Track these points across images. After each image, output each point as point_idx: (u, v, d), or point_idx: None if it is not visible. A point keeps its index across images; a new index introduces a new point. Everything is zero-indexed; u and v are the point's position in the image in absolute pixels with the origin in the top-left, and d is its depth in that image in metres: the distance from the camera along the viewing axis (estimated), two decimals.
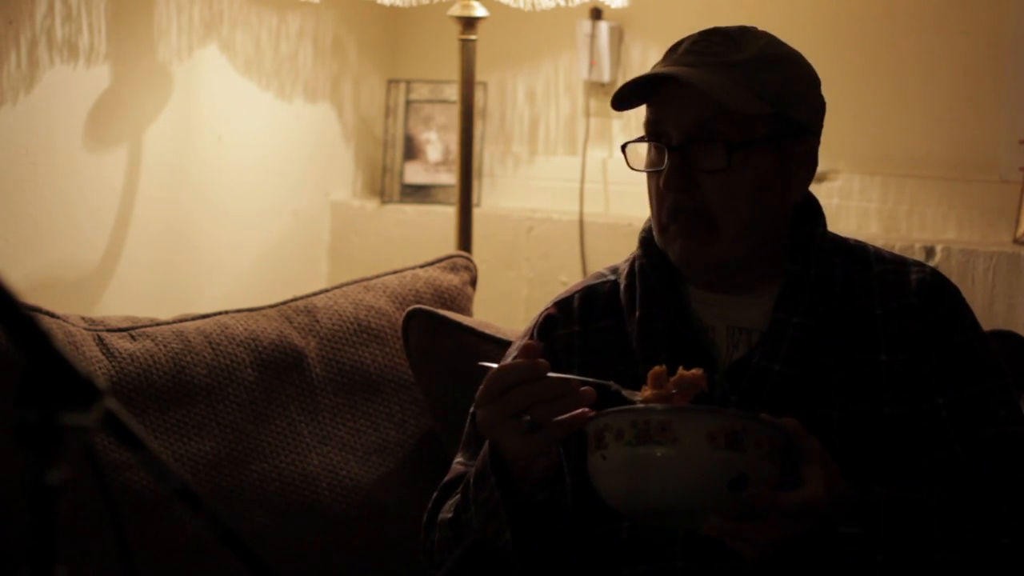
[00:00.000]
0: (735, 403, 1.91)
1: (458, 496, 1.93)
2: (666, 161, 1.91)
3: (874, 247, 2.05)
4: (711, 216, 1.91)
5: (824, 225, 2.01)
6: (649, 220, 2.02)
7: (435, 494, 2.02)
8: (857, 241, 2.06)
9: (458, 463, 2.05)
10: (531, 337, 2.04)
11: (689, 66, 1.90)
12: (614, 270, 2.08)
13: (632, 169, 1.98)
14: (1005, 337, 2.27)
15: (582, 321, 2.03)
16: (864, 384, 1.93)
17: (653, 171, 1.94)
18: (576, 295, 2.05)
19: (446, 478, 2.03)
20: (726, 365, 1.94)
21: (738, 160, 1.90)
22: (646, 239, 2.02)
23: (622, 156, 1.99)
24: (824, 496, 1.71)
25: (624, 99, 1.94)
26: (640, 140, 1.95)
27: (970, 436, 1.92)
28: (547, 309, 2.07)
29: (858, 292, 1.98)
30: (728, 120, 1.89)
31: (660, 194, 1.93)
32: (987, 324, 2.68)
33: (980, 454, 1.92)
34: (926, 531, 1.81)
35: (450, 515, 1.93)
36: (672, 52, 1.96)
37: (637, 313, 1.98)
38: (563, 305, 2.05)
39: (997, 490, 1.90)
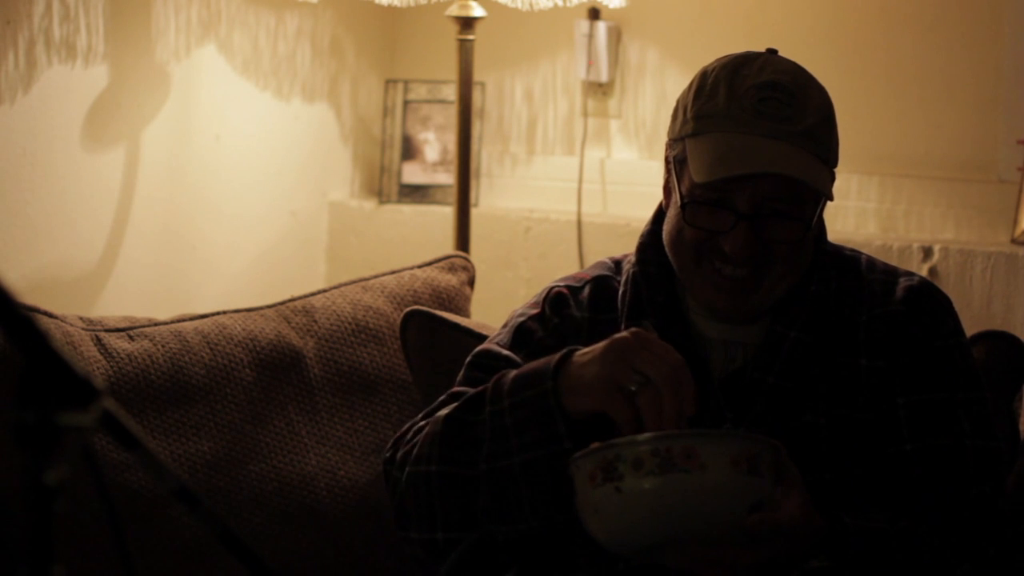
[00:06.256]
0: (731, 416, 1.91)
1: (454, 404, 1.90)
2: (735, 227, 1.87)
3: (868, 256, 2.04)
4: (764, 274, 1.91)
5: (826, 238, 2.01)
6: (649, 226, 2.01)
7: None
8: (853, 250, 2.05)
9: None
10: (542, 309, 2.03)
11: (768, 136, 1.87)
12: (617, 267, 2.07)
13: (690, 225, 1.90)
14: (1000, 338, 2.24)
15: (592, 309, 2.02)
16: (845, 389, 1.93)
17: (716, 232, 1.89)
18: (586, 285, 2.04)
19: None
20: (721, 376, 1.94)
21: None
22: (643, 246, 2.01)
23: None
24: (801, 520, 1.70)
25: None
26: (707, 204, 1.89)
27: (924, 440, 1.91)
28: (555, 287, 2.06)
29: (848, 301, 1.97)
30: (803, 194, 1.89)
31: (698, 241, 1.91)
32: (984, 325, 2.69)
33: (931, 462, 1.90)
34: (891, 563, 1.80)
35: (446, 412, 1.90)
36: (735, 106, 1.89)
37: (622, 325, 1.97)
38: (573, 290, 2.05)
39: (951, 511, 1.88)
